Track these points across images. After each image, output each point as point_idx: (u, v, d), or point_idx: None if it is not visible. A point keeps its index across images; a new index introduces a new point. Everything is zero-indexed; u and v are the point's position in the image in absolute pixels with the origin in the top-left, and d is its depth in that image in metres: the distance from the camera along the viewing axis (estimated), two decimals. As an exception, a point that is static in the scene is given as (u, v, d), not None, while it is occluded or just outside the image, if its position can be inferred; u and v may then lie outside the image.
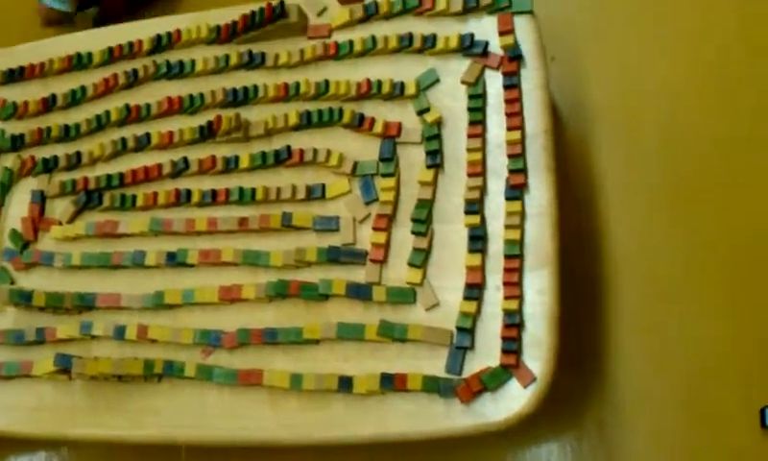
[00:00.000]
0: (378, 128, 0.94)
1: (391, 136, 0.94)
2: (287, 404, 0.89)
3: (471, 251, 0.86)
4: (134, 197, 1.05)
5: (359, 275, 0.90)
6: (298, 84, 1.00)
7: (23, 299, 1.04)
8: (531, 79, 0.90)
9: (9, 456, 1.25)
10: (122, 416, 0.97)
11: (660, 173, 1.05)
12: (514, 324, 0.81)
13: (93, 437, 0.98)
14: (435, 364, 0.84)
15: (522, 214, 0.85)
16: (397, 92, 0.95)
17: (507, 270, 0.84)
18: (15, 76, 1.19)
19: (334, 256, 0.92)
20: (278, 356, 0.91)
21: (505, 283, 0.83)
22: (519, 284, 0.83)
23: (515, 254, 0.84)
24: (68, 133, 1.13)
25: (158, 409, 0.95)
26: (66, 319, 1.03)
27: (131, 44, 1.13)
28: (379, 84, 0.96)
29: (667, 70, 1.09)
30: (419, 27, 0.97)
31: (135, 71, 1.11)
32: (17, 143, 1.16)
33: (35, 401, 1.02)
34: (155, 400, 0.95)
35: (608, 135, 1.08)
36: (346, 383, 0.86)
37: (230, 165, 1.01)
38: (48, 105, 1.15)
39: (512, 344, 0.81)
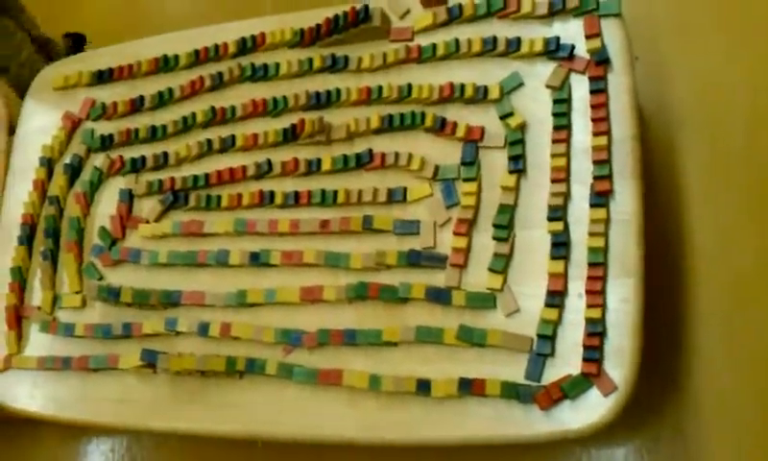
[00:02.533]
0: (460, 131, 0.98)
1: (473, 140, 0.98)
2: (365, 405, 0.94)
3: (554, 257, 0.89)
4: (219, 197, 1.12)
5: (439, 279, 0.95)
6: (380, 88, 1.05)
7: (111, 294, 1.13)
8: (618, 83, 0.93)
9: (92, 440, 1.34)
10: (203, 410, 1.04)
11: (745, 174, 1.06)
12: (596, 332, 0.84)
13: (175, 429, 1.06)
14: (514, 370, 0.88)
15: (607, 221, 0.88)
16: (480, 96, 0.99)
17: (590, 278, 0.87)
18: (105, 77, 1.29)
19: (414, 260, 0.96)
20: (358, 357, 0.96)
21: (588, 291, 0.86)
22: (603, 293, 0.86)
23: (598, 262, 0.87)
24: (155, 134, 1.21)
25: (239, 404, 1.02)
26: (152, 315, 1.12)
27: (216, 47, 1.20)
28: (462, 87, 1.00)
29: (753, 67, 1.10)
30: (503, 30, 1.01)
31: (221, 73, 1.18)
32: (106, 143, 1.25)
33: (120, 394, 1.11)
34: (236, 396, 1.02)
35: (692, 137, 1.09)
36: (424, 386, 0.91)
37: (313, 168, 1.07)
38: (136, 106, 1.24)
39: (594, 352, 0.84)
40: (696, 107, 1.09)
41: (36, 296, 1.22)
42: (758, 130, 1.06)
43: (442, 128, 1.00)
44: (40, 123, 1.32)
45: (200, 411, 1.05)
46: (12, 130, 1.38)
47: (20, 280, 1.24)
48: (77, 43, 1.62)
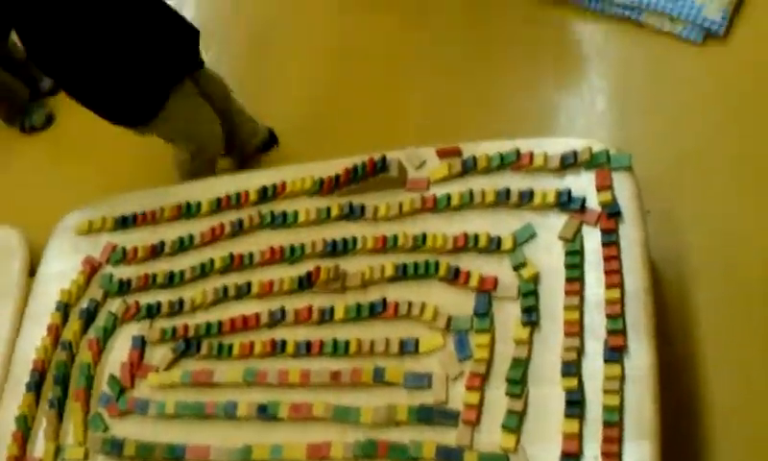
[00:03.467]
0: (474, 281, 1.00)
1: (486, 291, 0.99)
2: None
3: (568, 416, 0.88)
4: (231, 346, 1.13)
5: (450, 436, 0.94)
6: (395, 237, 1.08)
7: (114, 447, 1.13)
8: (630, 236, 0.94)
9: None
10: None
11: (764, 326, 1.04)
12: (613, 498, 0.82)
13: None
14: (527, 536, 0.85)
15: (622, 378, 0.87)
16: (494, 246, 1.01)
17: (606, 439, 0.85)
18: (128, 223, 1.34)
19: (426, 417, 0.96)
20: (366, 520, 0.94)
21: (604, 454, 0.85)
22: (619, 455, 0.84)
23: (613, 422, 0.85)
24: (173, 280, 1.25)
25: None
26: (156, 470, 1.10)
27: (238, 195, 1.25)
28: (476, 237, 1.02)
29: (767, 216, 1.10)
30: (516, 182, 1.04)
31: (241, 221, 1.23)
32: (124, 288, 1.28)
33: None
34: None
35: (707, 290, 1.10)
36: None
37: (326, 316, 1.09)
38: (156, 251, 1.28)
39: (609, 519, 0.81)
40: (711, 260, 1.11)
41: (40, 447, 1.21)
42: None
43: (455, 277, 1.02)
44: (61, 267, 1.36)
45: None
46: (32, 271, 1.41)
47: (24, 430, 1.23)
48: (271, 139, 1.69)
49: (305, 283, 1.13)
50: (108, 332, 1.27)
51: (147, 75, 1.35)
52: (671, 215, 1.15)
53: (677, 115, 1.24)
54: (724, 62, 1.27)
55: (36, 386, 1.27)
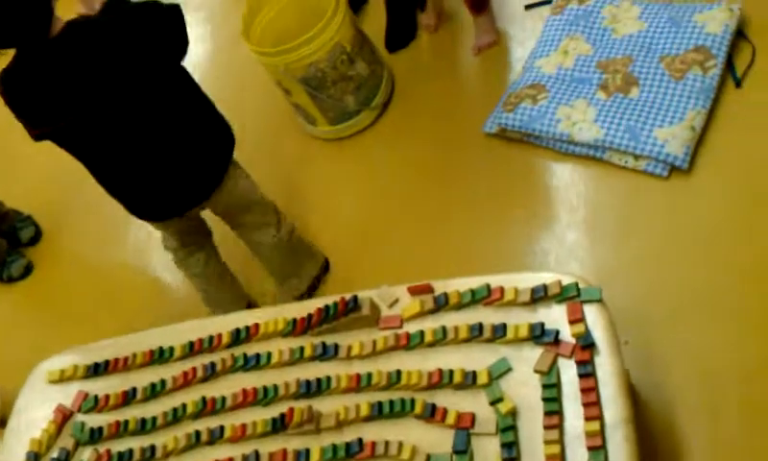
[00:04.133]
0: (451, 419, 0.97)
1: (464, 428, 0.96)
2: None
3: None
4: (203, 496, 1.07)
5: None
6: (369, 375, 1.05)
7: None
8: (606, 366, 0.92)
9: None
10: None
11: (745, 453, 1.01)
12: None
13: None
14: None
15: (608, 515, 0.83)
16: (469, 381, 0.99)
17: None
18: (100, 370, 1.30)
19: None
20: None
21: None
22: None
23: None
24: (144, 426, 1.20)
25: None
26: None
27: (211, 338, 1.22)
28: (451, 373, 1.00)
29: (745, 349, 1.10)
30: (488, 316, 1.03)
31: (214, 364, 1.19)
32: (95, 436, 1.23)
33: None
34: None
35: (689, 415, 1.07)
36: None
37: (301, 459, 1.04)
38: (128, 398, 1.24)
39: None
40: (691, 386, 1.09)
41: None
42: (756, 413, 1.04)
43: (432, 415, 0.99)
44: (32, 416, 1.31)
45: None
46: (3, 422, 1.36)
47: None
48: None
49: (279, 425, 1.09)
50: (79, 483, 1.20)
51: None
52: (649, 343, 1.14)
53: (646, 246, 1.26)
54: (689, 194, 1.30)
55: None
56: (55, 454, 1.24)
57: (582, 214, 1.34)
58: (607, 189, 1.36)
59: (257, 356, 1.17)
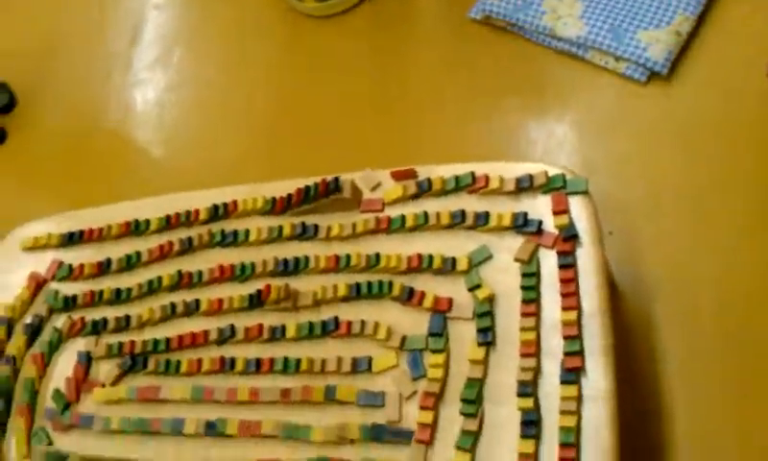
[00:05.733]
0: (428, 302, 0.94)
1: (441, 311, 0.93)
2: None
3: (524, 436, 0.82)
4: (179, 362, 1.05)
5: (403, 455, 0.87)
6: (348, 257, 1.01)
7: (57, 462, 1.03)
8: (587, 257, 0.89)
9: None
10: None
11: (719, 354, 1.01)
12: (569, 520, 0.76)
13: None
14: None
15: (579, 399, 0.82)
16: (449, 267, 0.95)
17: (562, 460, 0.79)
18: (74, 239, 1.25)
19: (378, 435, 0.89)
20: None
21: (559, 475, 0.78)
22: (576, 477, 0.78)
23: (570, 443, 0.80)
24: (119, 297, 1.16)
25: None
26: (98, 487, 1.00)
27: (188, 213, 1.17)
28: (430, 258, 0.96)
29: (718, 254, 1.08)
30: (471, 204, 0.98)
31: (191, 239, 1.14)
32: (69, 304, 1.18)
33: None
34: None
35: (667, 311, 1.06)
36: None
37: (277, 334, 1.01)
38: (103, 268, 1.19)
39: None
40: (670, 281, 1.07)
41: (-21, 463, 1.10)
42: (728, 312, 1.03)
43: (409, 298, 0.95)
44: (5, 282, 1.26)
45: None
46: (-24, 288, 1.30)
47: (-36, 446, 1.12)
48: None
49: (255, 301, 1.05)
50: (53, 347, 1.16)
51: None
52: (632, 236, 1.11)
53: (630, 144, 1.22)
54: (666, 101, 1.25)
55: (-23, 403, 1.15)
56: (28, 320, 1.20)
57: (569, 109, 1.29)
58: (593, 87, 1.31)
59: (235, 233, 1.12)
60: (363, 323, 0.97)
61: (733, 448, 0.97)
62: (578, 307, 0.86)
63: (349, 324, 0.98)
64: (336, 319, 0.99)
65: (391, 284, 0.98)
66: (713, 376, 1.01)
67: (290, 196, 1.10)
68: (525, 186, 0.96)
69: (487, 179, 0.99)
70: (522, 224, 0.94)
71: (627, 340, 1.03)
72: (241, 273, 1.09)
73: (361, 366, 0.95)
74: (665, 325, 1.05)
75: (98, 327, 1.14)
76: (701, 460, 0.97)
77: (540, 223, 0.93)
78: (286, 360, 0.99)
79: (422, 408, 0.88)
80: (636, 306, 1.07)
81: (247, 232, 1.12)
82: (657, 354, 1.03)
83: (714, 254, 1.08)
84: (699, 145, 1.20)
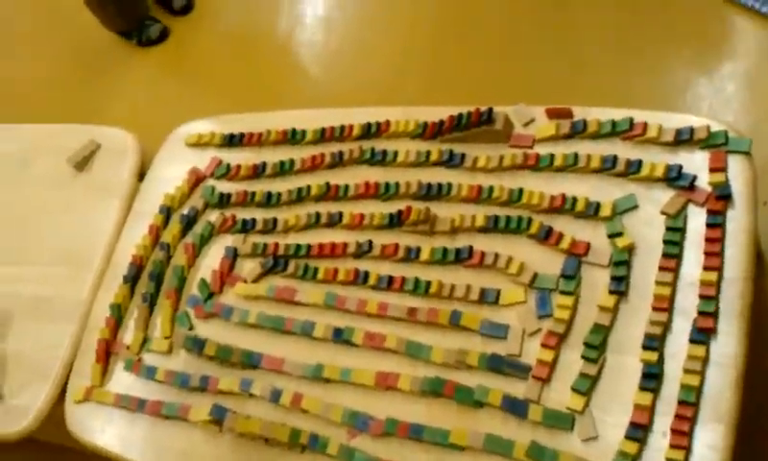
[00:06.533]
0: (565, 243, 0.97)
1: (577, 254, 0.96)
2: (419, 505, 0.91)
3: (643, 388, 0.85)
4: (316, 269, 1.14)
5: (519, 389, 0.92)
6: (491, 188, 1.06)
7: (196, 345, 1.17)
8: (737, 221, 0.89)
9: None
10: (260, 479, 1.03)
11: None
12: (676, 476, 0.79)
13: (227, 492, 1.05)
14: (581, 500, 0.83)
15: (705, 361, 0.84)
16: (591, 212, 0.98)
17: (678, 416, 0.82)
18: (235, 141, 1.37)
19: (496, 365, 0.94)
20: (420, 454, 0.94)
21: (673, 430, 0.82)
22: (689, 435, 0.81)
23: (690, 402, 0.82)
24: (270, 200, 1.27)
25: (295, 480, 1.00)
26: (231, 373, 1.14)
27: (342, 128, 1.26)
28: (574, 200, 0.99)
29: None
30: (624, 151, 1.00)
31: (341, 153, 1.23)
32: (223, 201, 1.31)
33: (184, 446, 1.12)
34: (294, 471, 1.01)
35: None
36: (484, 498, 0.87)
37: (411, 255, 1.08)
38: (258, 171, 1.31)
39: (670, 497, 0.78)
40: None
41: (129, 335, 1.27)
42: None
43: (546, 237, 0.99)
44: (168, 174, 1.40)
45: (256, 480, 1.04)
46: (141, 176, 1.46)
47: (117, 317, 1.29)
48: None
49: (395, 221, 1.12)
50: (204, 240, 1.30)
51: None
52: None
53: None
54: None
55: (132, 279, 1.32)
56: (185, 211, 1.34)
57: (744, 67, 1.25)
58: None
59: (384, 152, 1.20)
60: (496, 255, 1.02)
61: None
62: (720, 269, 0.87)
63: (483, 254, 1.03)
64: (470, 248, 1.05)
65: (530, 221, 1.02)
66: None
67: (441, 122, 1.16)
68: (684, 139, 0.97)
69: (645, 126, 1.00)
70: (675, 177, 0.95)
71: (765, 316, 1.01)
72: (385, 191, 1.17)
73: (489, 297, 1.00)
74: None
75: (247, 226, 1.26)
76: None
77: (694, 178, 0.94)
78: (417, 281, 1.06)
79: (544, 346, 0.93)
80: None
81: (395, 153, 1.19)
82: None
83: None
84: None
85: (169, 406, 1.15)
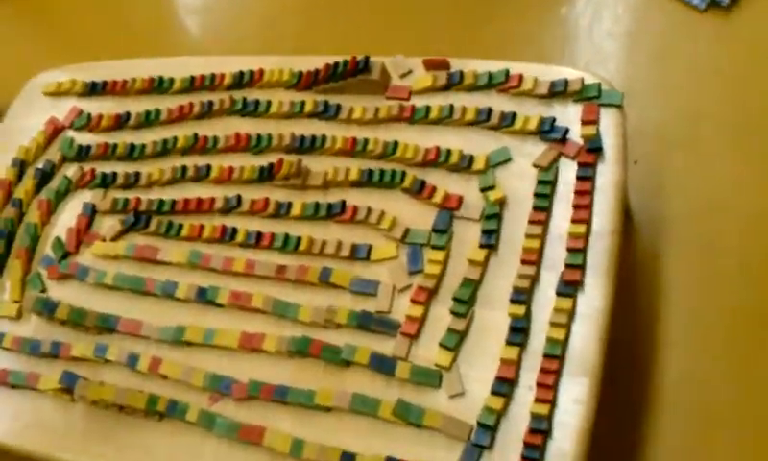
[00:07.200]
0: (438, 197, 0.97)
1: (449, 208, 0.97)
2: (283, 471, 0.89)
3: (510, 343, 0.86)
4: (180, 226, 1.11)
5: (387, 346, 0.92)
6: (366, 141, 1.05)
7: (47, 308, 1.11)
8: (607, 174, 0.91)
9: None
10: (115, 450, 1.00)
11: (730, 302, 1.02)
12: (540, 430, 0.80)
13: (78, 464, 1.01)
14: (447, 457, 0.84)
15: (571, 314, 0.86)
16: (465, 164, 0.98)
17: (543, 370, 0.83)
18: (97, 89, 1.31)
19: (365, 322, 0.94)
20: (285, 417, 0.93)
21: (539, 384, 0.83)
22: (554, 388, 0.82)
23: (554, 355, 0.84)
24: (132, 153, 1.22)
25: (151, 449, 0.98)
26: (84, 337, 1.09)
27: (213, 76, 1.22)
28: (448, 153, 0.99)
29: (755, 193, 1.08)
30: (499, 103, 1.01)
31: (211, 102, 1.19)
32: (82, 153, 1.26)
33: (33, 417, 1.07)
34: (150, 439, 0.99)
35: (681, 252, 1.07)
36: (348, 460, 0.86)
37: (282, 211, 1.06)
38: (120, 121, 1.26)
39: (534, 451, 0.80)
40: (691, 222, 1.08)
41: (-26, 299, 1.19)
42: (752, 259, 1.03)
43: (419, 191, 0.99)
44: (23, 125, 1.34)
45: (111, 450, 1.00)
46: (-6, 129, 1.39)
47: (-38, 280, 1.22)
48: None
49: (266, 175, 1.10)
50: (61, 196, 1.24)
51: None
52: (660, 168, 1.12)
53: (677, 74, 1.22)
54: (725, 34, 1.24)
55: (-20, 239, 1.25)
56: (40, 165, 1.28)
57: (624, 27, 1.29)
58: (648, 8, 1.31)
59: (256, 103, 1.17)
60: (369, 210, 1.01)
61: (727, 387, 0.99)
62: (588, 223, 0.89)
63: (355, 209, 1.02)
64: (343, 203, 1.04)
65: (404, 175, 1.02)
66: (719, 316, 1.03)
67: (317, 71, 1.14)
68: (559, 91, 0.98)
69: (520, 78, 1.01)
70: (548, 130, 0.97)
71: (633, 272, 1.05)
72: (257, 144, 1.14)
73: (360, 253, 1.00)
74: (677, 262, 1.07)
75: (107, 181, 1.21)
76: (689, 393, 0.99)
77: (567, 131, 0.96)
78: (287, 237, 1.04)
79: (413, 302, 0.93)
80: (648, 242, 1.09)
81: (268, 104, 1.16)
82: (662, 289, 1.05)
83: (745, 193, 1.09)
84: (751, 81, 1.19)
85: (16, 375, 1.10)
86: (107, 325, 1.08)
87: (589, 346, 0.84)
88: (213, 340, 1.01)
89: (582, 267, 0.87)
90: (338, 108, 1.11)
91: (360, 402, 0.90)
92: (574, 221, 0.90)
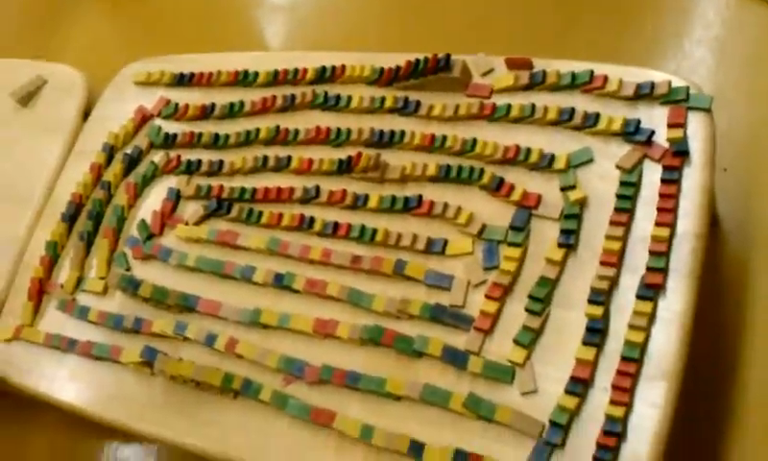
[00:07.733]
0: (516, 195, 0.94)
1: (527, 206, 0.93)
2: (351, 455, 0.88)
3: (586, 343, 0.83)
4: (260, 213, 1.10)
5: (460, 340, 0.89)
6: (444, 137, 1.03)
7: (131, 285, 1.12)
8: (693, 178, 0.87)
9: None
10: (191, 424, 1.00)
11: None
12: (614, 432, 0.77)
13: (161, 437, 1.03)
14: (517, 454, 0.81)
15: (651, 317, 0.81)
16: (545, 163, 0.95)
17: (620, 373, 0.80)
18: (184, 80, 1.32)
19: (438, 315, 0.91)
20: (355, 403, 0.91)
21: (614, 386, 0.79)
22: (631, 391, 0.79)
23: (633, 358, 0.80)
24: (217, 142, 1.22)
25: (227, 425, 0.97)
26: (165, 315, 1.09)
27: (296, 71, 1.21)
28: (528, 151, 0.96)
29: None
30: (583, 103, 0.97)
31: (293, 96, 1.19)
32: (169, 141, 1.27)
33: (115, 388, 1.08)
34: (224, 416, 0.98)
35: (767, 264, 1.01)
36: (416, 449, 0.85)
37: (359, 202, 1.05)
38: (206, 112, 1.26)
39: (606, 453, 0.76)
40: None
41: (64, 274, 1.22)
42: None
43: (498, 188, 0.96)
44: (114, 112, 1.36)
45: (187, 424, 1.00)
46: (86, 116, 1.41)
47: (52, 256, 1.24)
48: None
49: (344, 167, 1.08)
50: (147, 180, 1.25)
51: None
52: (749, 178, 1.07)
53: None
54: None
55: (70, 218, 1.26)
56: (128, 150, 1.29)
57: (715, 33, 1.23)
58: (746, 15, 1.24)
59: (337, 97, 1.15)
60: (446, 205, 0.99)
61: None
62: (672, 226, 0.85)
63: (432, 204, 1.00)
64: (420, 197, 1.01)
65: (482, 172, 0.99)
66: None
67: (398, 68, 1.12)
68: (645, 93, 0.94)
69: (605, 79, 0.97)
70: (633, 131, 0.92)
71: (717, 280, 1.00)
72: (336, 137, 1.12)
73: (435, 247, 0.97)
74: (765, 274, 1.01)
75: (191, 168, 1.22)
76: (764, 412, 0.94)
77: (652, 133, 0.91)
78: (363, 228, 1.02)
79: (488, 297, 0.90)
80: (735, 251, 1.03)
81: (349, 98, 1.15)
82: (748, 302, 1.00)
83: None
84: None
85: (100, 347, 1.11)
86: (187, 304, 1.08)
87: (669, 349, 0.80)
88: (288, 324, 1.00)
89: (664, 271, 0.83)
90: (418, 104, 1.09)
91: (431, 393, 0.88)
92: (658, 224, 0.85)
